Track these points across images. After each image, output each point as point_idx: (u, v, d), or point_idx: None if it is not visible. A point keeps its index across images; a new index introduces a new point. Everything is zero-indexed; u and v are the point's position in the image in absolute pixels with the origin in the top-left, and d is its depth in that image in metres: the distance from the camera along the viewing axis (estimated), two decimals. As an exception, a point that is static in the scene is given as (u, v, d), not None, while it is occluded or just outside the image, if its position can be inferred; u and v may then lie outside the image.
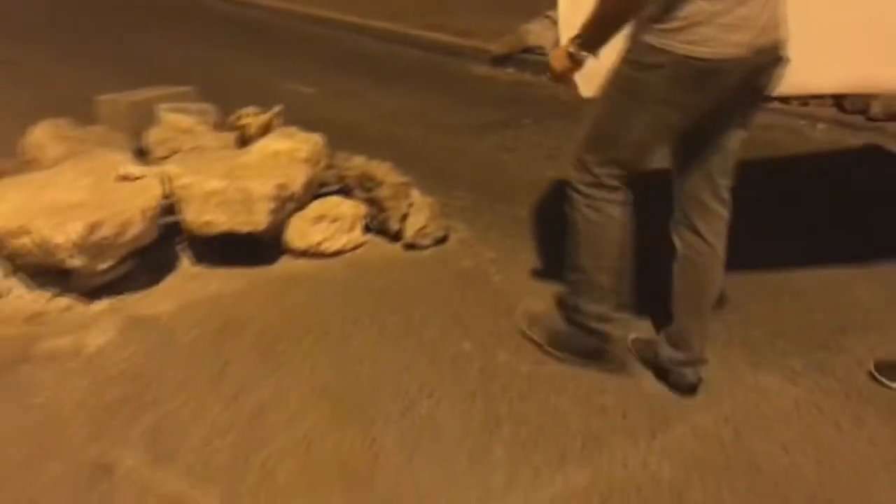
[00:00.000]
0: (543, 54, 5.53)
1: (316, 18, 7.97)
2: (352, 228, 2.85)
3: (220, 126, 3.18)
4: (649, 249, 2.03)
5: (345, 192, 2.95)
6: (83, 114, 3.43)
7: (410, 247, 2.87)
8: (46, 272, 2.40)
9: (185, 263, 2.69)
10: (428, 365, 2.18)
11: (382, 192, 2.87)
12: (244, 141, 2.98)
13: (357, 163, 2.98)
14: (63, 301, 2.41)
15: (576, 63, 1.82)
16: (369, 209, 2.90)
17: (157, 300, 2.46)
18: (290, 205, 2.73)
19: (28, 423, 1.89)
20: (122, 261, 2.44)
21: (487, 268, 2.78)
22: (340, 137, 3.27)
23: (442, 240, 2.93)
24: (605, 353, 2.12)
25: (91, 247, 2.30)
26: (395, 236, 2.90)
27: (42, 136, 3.11)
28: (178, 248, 2.70)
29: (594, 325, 2.08)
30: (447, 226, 2.98)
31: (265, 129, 2.99)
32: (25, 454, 1.78)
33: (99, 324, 2.31)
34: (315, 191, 2.88)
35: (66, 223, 2.28)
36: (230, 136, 3.05)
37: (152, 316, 2.37)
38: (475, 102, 5.09)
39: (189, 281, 2.60)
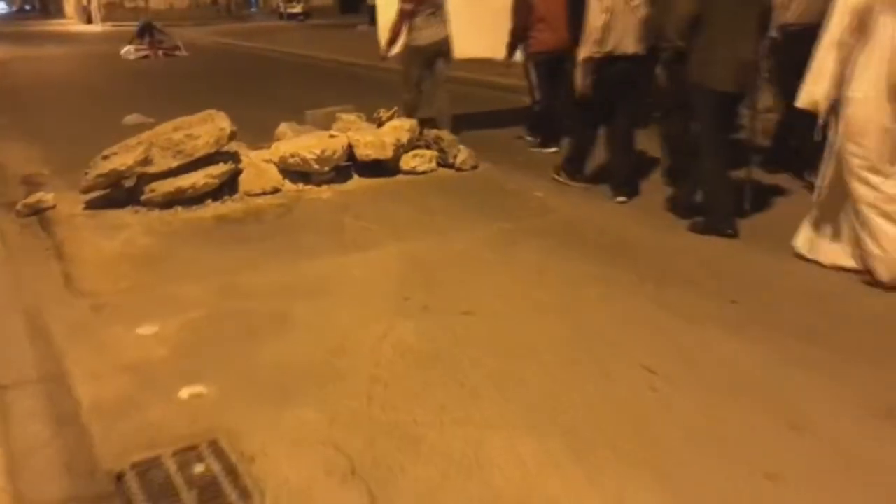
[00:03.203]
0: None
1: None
2: (430, 161, 5.98)
3: (369, 119, 6.43)
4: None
5: (426, 145, 6.10)
6: (296, 120, 6.76)
7: (459, 170, 5.98)
8: (298, 174, 5.65)
9: (355, 175, 5.88)
10: (462, 205, 5.24)
11: (445, 145, 6.01)
12: (380, 124, 6.17)
13: (433, 132, 6.16)
14: (307, 187, 5.64)
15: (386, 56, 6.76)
16: (439, 153, 6.03)
17: (346, 186, 5.68)
18: (401, 149, 5.89)
19: (312, 211, 5.08)
20: (331, 170, 5.65)
21: (496, 176, 5.85)
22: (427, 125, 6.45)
23: (475, 167, 6.02)
24: None
25: (322, 160, 5.52)
26: (451, 166, 6.01)
27: (283, 128, 6.45)
28: (351, 168, 5.90)
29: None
30: (478, 160, 6.07)
31: (390, 118, 6.18)
32: (319, 212, 4.97)
33: (325, 192, 5.53)
34: (413, 144, 6.04)
35: (312, 149, 5.51)
36: (373, 123, 6.26)
37: (346, 189, 5.59)
38: (510, 117, 8.18)
39: (357, 181, 5.80)
